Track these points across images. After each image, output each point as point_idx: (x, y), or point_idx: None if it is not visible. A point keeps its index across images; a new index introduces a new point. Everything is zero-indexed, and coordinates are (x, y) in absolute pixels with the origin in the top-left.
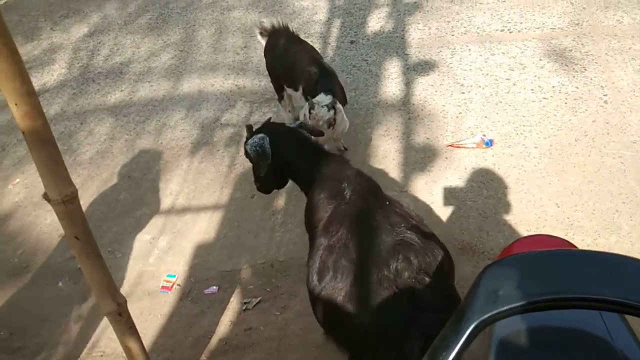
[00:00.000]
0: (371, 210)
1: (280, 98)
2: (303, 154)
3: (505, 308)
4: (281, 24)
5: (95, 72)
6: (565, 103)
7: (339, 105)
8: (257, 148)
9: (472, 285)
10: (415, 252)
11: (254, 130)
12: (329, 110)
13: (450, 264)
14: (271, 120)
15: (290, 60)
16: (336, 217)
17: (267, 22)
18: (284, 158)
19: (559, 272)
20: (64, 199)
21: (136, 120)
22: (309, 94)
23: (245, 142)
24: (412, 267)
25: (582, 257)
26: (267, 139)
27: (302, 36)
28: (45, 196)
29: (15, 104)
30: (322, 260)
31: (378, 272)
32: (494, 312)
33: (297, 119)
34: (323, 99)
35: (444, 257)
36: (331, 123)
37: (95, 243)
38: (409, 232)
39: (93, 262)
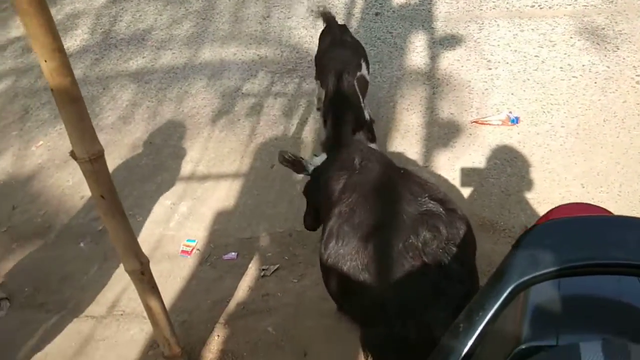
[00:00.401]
0: (388, 179)
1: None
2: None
3: (545, 271)
4: (335, 19)
5: (118, 38)
6: (595, 82)
7: None
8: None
9: (512, 247)
10: (444, 222)
11: None
12: None
13: (472, 238)
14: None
15: (324, 61)
16: (349, 186)
17: (325, 10)
18: None
19: (601, 237)
20: (90, 157)
21: (158, 87)
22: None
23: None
24: (441, 236)
25: (625, 223)
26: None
27: (327, 5)
28: (72, 154)
29: (45, 61)
30: (333, 229)
31: (404, 240)
32: (534, 274)
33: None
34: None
35: (468, 230)
36: None
37: (120, 203)
38: (432, 202)
39: (118, 221)
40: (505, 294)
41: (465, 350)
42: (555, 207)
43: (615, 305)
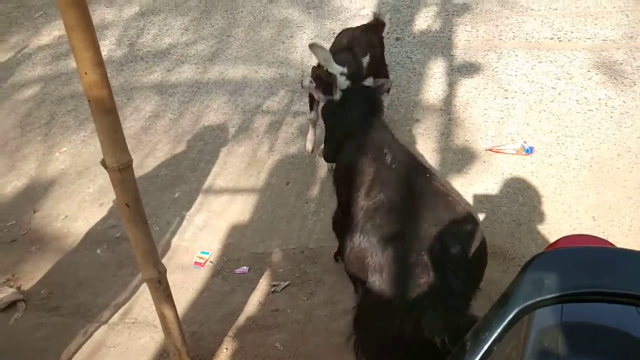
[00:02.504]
0: (416, 183)
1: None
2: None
3: (549, 296)
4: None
5: (144, 50)
6: (611, 117)
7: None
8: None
9: (519, 272)
10: (456, 243)
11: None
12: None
13: (483, 256)
14: None
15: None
16: (378, 180)
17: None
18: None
19: (602, 267)
20: (120, 166)
21: (180, 100)
22: None
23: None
24: (450, 257)
25: (626, 255)
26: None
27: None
28: (103, 163)
29: (85, 73)
30: (363, 225)
31: (417, 254)
32: (538, 299)
33: None
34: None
35: (480, 249)
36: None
37: (143, 211)
38: (451, 221)
39: (140, 230)
40: (510, 316)
41: None
42: (562, 238)
43: (615, 334)
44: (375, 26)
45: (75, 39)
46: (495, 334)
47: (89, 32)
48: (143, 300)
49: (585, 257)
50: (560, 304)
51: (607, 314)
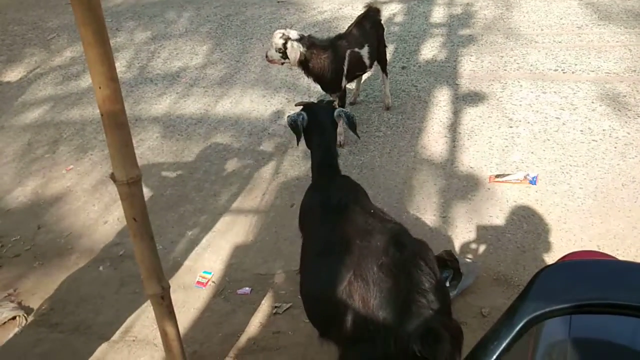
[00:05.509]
0: (361, 215)
1: None
2: (320, 145)
3: (557, 307)
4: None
5: (154, 73)
6: (615, 147)
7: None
8: (292, 123)
9: (527, 283)
10: (409, 239)
11: (304, 106)
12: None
13: (433, 254)
14: (333, 103)
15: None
16: (326, 221)
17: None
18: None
19: (612, 279)
20: (129, 180)
21: (188, 122)
22: None
23: (290, 114)
24: (407, 251)
25: (636, 268)
26: (304, 118)
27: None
28: (112, 176)
29: (100, 87)
30: (312, 262)
31: (377, 260)
32: (546, 309)
33: None
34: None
35: (429, 248)
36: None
37: (150, 226)
38: (396, 226)
39: (146, 244)
40: (519, 326)
41: None
42: (570, 253)
43: (624, 349)
44: (368, 15)
45: (91, 53)
46: (504, 344)
47: (105, 48)
48: (144, 319)
49: (595, 270)
50: (569, 316)
51: (616, 327)
